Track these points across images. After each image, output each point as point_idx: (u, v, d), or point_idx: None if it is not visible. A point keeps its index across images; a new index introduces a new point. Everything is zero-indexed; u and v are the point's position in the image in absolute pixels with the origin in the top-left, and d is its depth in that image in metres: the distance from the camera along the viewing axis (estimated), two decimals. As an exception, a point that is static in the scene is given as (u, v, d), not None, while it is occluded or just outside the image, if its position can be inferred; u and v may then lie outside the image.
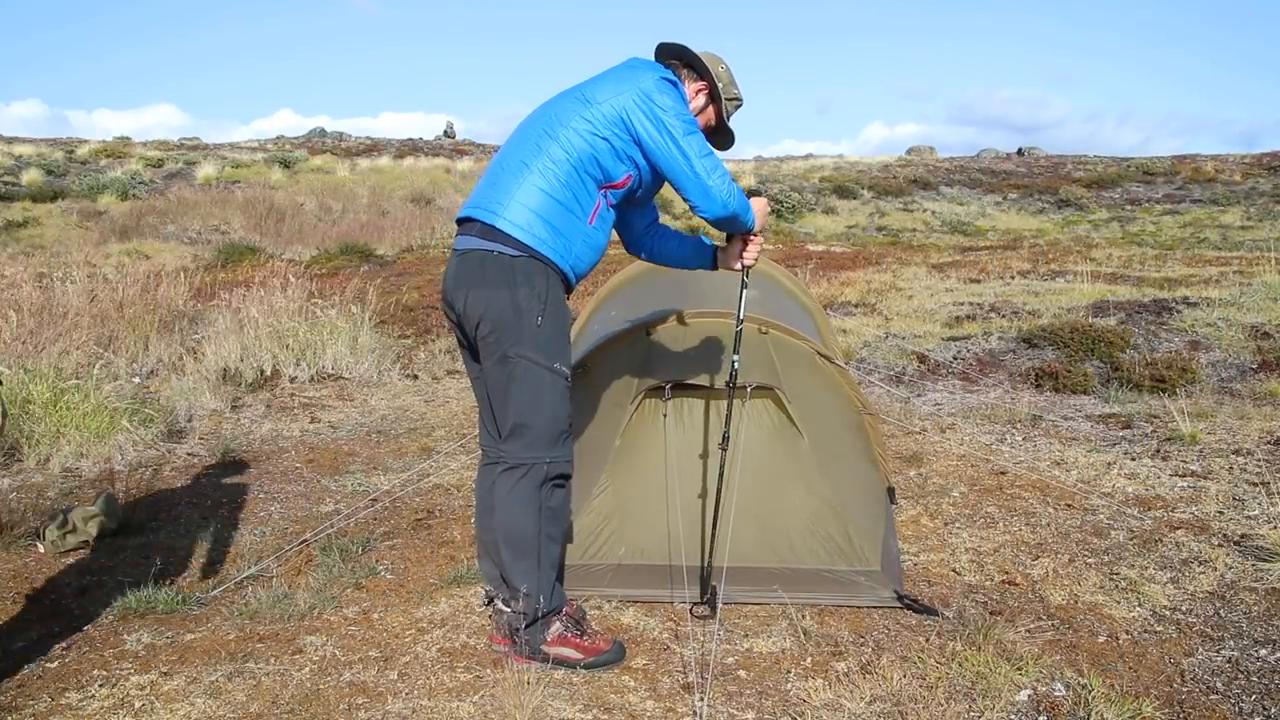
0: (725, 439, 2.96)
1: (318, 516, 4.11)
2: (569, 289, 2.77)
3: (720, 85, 2.83)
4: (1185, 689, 2.55)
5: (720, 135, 2.93)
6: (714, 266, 3.03)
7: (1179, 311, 7.68)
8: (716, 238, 3.10)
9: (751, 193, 2.83)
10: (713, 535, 2.99)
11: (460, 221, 2.75)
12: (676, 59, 2.85)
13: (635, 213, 2.99)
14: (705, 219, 2.70)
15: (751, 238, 2.91)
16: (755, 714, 2.47)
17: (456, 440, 5.25)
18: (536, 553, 2.65)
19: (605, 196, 2.71)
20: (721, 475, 2.96)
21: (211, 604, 3.19)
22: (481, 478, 2.93)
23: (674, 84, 2.69)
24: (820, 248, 16.64)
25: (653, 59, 2.88)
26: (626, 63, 2.76)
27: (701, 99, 2.84)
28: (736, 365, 2.96)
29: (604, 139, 2.61)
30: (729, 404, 2.98)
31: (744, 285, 2.98)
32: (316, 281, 9.06)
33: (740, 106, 2.93)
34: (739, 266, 2.95)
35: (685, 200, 2.66)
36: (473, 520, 3.98)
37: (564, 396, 2.68)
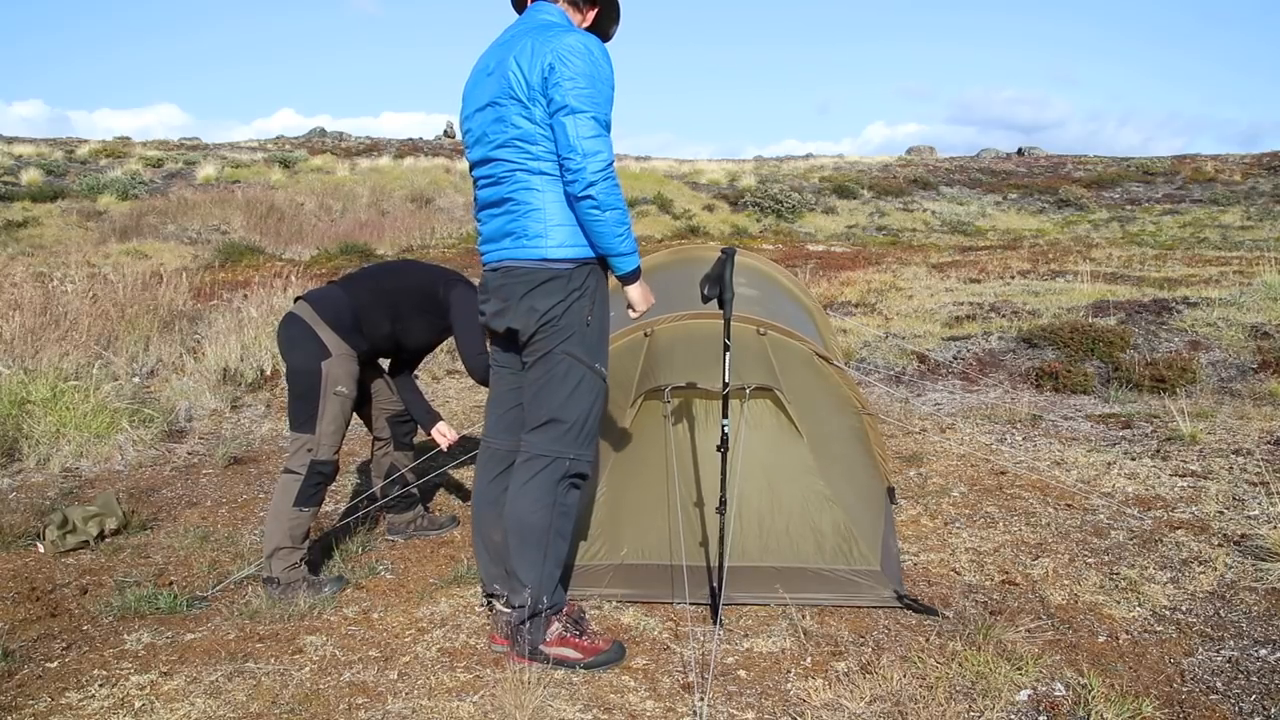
0: (724, 440, 2.95)
1: (317, 516, 4.10)
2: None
3: None
4: (1185, 689, 2.55)
5: (607, 20, 2.80)
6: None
7: (1179, 311, 7.67)
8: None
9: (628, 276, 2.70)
10: (720, 540, 2.96)
11: (491, 267, 2.71)
12: None
13: None
14: (570, 193, 2.53)
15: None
16: (755, 714, 2.47)
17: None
18: (545, 547, 2.65)
19: None
20: (723, 477, 2.95)
21: (211, 604, 3.20)
22: (482, 470, 2.89)
23: (571, 34, 2.54)
24: (820, 248, 16.66)
25: None
26: (527, 30, 2.61)
27: (592, 16, 2.75)
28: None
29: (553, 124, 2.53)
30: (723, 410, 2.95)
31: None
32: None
33: None
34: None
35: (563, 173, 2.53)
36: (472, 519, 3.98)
37: (600, 398, 2.72)
